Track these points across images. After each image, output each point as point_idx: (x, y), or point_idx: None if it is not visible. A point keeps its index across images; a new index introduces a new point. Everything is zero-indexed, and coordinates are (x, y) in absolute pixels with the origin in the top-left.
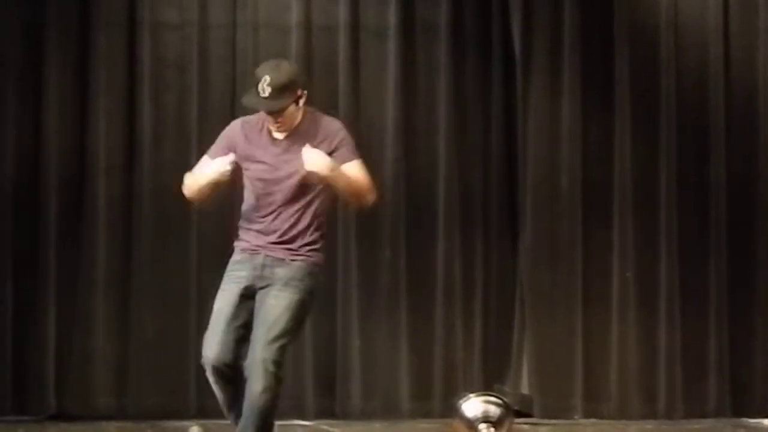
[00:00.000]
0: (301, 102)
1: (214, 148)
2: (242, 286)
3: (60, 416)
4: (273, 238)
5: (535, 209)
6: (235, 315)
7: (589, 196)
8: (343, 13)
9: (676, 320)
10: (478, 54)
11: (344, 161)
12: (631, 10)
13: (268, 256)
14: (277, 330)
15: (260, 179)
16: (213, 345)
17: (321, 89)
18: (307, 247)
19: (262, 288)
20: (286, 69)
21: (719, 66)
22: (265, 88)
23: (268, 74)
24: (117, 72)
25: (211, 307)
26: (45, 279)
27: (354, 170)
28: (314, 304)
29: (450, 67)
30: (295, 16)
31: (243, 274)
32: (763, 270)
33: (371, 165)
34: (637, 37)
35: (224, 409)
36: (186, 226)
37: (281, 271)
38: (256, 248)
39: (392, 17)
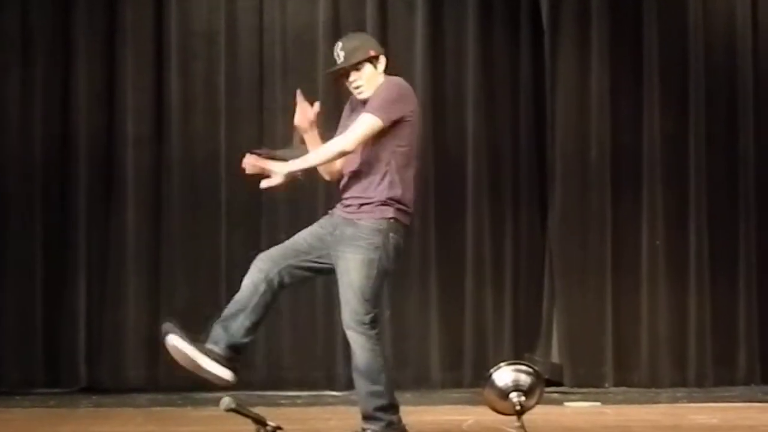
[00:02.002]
0: (380, 65)
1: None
2: (322, 232)
3: (91, 388)
4: (344, 197)
5: (564, 180)
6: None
7: (618, 166)
8: None
9: (706, 289)
10: (507, 24)
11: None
12: None
13: (339, 216)
14: (351, 294)
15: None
16: (274, 253)
17: None
18: (372, 204)
19: (335, 248)
20: (357, 35)
21: (747, 33)
22: (339, 54)
23: (340, 41)
24: (145, 44)
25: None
26: (75, 252)
27: (359, 122)
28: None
29: (478, 38)
30: None
31: (325, 228)
32: None
33: None
34: (665, 6)
35: (228, 311)
36: (215, 197)
37: (348, 231)
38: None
39: None
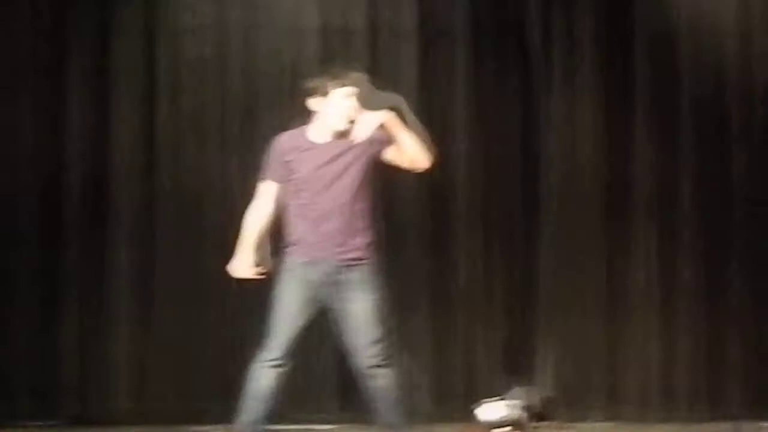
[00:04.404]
0: None
1: (269, 167)
2: (307, 289)
3: (80, 421)
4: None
5: (556, 209)
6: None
7: (609, 197)
8: (359, 16)
9: (698, 322)
10: (497, 58)
11: (380, 150)
12: (650, 10)
13: (338, 260)
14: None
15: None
16: (280, 343)
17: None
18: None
19: (334, 293)
20: None
21: (738, 65)
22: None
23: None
24: (136, 74)
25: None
26: (67, 282)
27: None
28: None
29: (468, 71)
30: (312, 19)
31: (311, 278)
32: None
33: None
34: (656, 37)
35: (248, 411)
36: (206, 229)
37: (353, 275)
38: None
39: (410, 21)
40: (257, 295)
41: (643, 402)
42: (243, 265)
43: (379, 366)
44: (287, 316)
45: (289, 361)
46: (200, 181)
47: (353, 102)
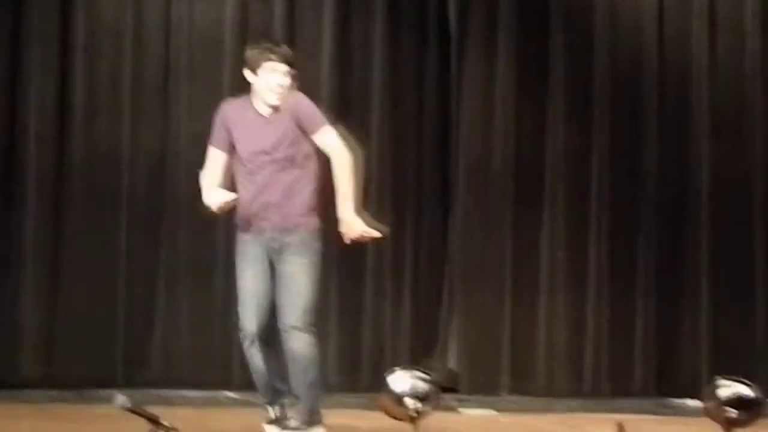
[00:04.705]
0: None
1: (214, 134)
2: (258, 261)
3: None
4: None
5: (467, 187)
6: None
7: (520, 175)
8: None
9: (604, 300)
10: (414, 29)
11: (316, 129)
12: None
13: (277, 228)
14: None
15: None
16: (251, 317)
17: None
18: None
19: (276, 257)
20: None
21: (653, 48)
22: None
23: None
24: (50, 41)
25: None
26: None
27: (329, 137)
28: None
29: (385, 41)
30: None
31: (257, 250)
32: (692, 252)
33: None
34: (572, 18)
35: (261, 381)
36: (117, 198)
37: (291, 239)
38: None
39: None
40: (163, 262)
41: (549, 377)
42: (218, 194)
43: (298, 329)
44: (248, 293)
45: (267, 330)
46: (113, 149)
47: (284, 78)
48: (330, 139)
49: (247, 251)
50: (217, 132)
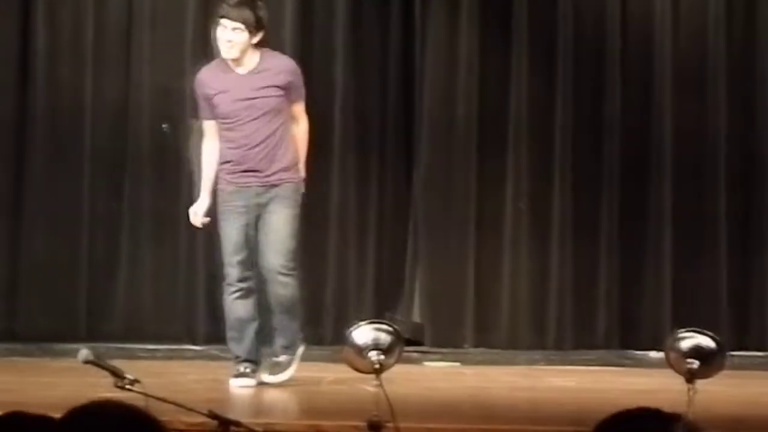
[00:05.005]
0: (256, 38)
1: (199, 106)
2: (242, 215)
3: None
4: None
5: (431, 138)
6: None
7: (484, 126)
8: None
9: (568, 252)
10: None
11: (297, 99)
12: None
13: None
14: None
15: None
16: (237, 266)
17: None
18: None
19: (262, 209)
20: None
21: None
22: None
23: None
24: None
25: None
26: None
27: (301, 108)
28: None
29: None
30: None
31: (242, 201)
32: (655, 204)
33: None
34: None
35: (238, 334)
36: (80, 148)
37: (275, 192)
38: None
39: None
40: (127, 214)
41: (511, 329)
42: (200, 211)
43: (283, 274)
44: (233, 246)
45: (250, 284)
46: (75, 98)
47: (231, 34)
48: (301, 112)
49: (232, 202)
50: (201, 103)
